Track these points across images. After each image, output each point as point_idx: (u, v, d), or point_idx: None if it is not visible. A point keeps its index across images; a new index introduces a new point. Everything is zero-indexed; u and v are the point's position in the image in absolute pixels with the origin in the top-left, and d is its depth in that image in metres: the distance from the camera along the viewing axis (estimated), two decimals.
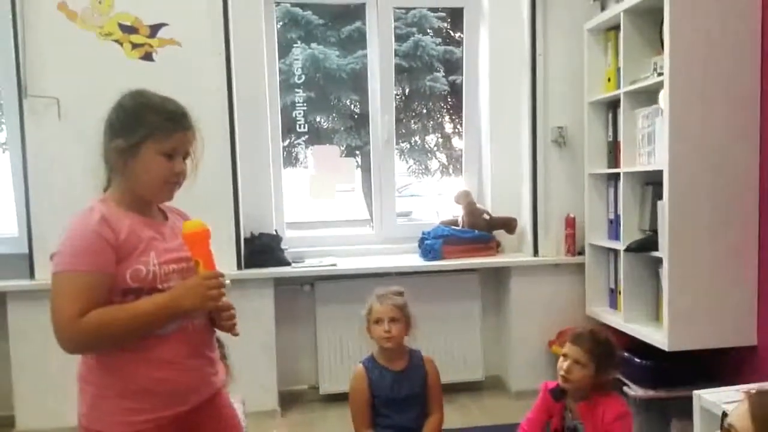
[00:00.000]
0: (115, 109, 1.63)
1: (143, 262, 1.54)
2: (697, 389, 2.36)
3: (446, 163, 6.56)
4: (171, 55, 3.38)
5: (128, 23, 3.34)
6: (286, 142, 4.53)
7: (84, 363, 1.60)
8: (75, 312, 1.45)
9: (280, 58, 3.91)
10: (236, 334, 1.74)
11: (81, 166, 3.23)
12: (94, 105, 3.24)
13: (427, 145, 6.58)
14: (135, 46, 3.34)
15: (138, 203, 1.63)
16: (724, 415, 1.29)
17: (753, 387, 1.32)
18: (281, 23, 4.94)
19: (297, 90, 4.15)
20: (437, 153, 6.65)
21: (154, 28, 3.36)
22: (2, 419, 3.42)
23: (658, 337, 2.93)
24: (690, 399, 2.37)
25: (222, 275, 1.61)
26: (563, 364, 2.23)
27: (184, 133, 1.62)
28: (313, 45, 5.10)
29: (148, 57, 3.36)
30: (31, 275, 3.35)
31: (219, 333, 1.78)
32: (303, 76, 4.21)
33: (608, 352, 2.26)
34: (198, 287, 1.56)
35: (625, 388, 3.00)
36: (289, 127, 4.19)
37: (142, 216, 1.62)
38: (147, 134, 1.56)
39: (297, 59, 4.33)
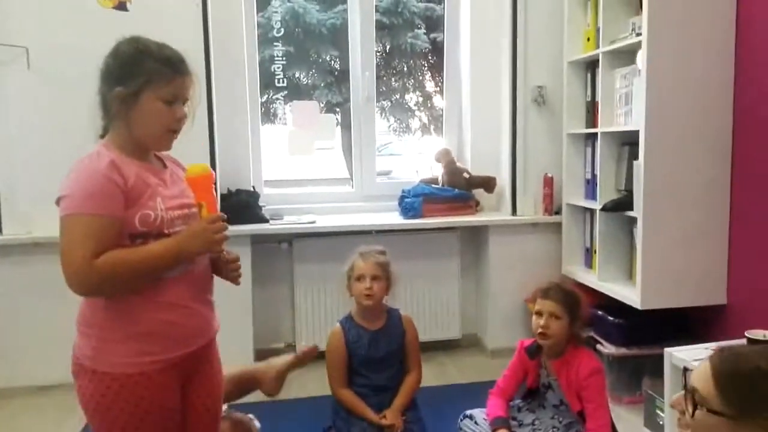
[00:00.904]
0: (112, 56, 1.61)
1: (151, 207, 1.57)
2: (668, 347, 2.41)
3: (427, 123, 6.53)
4: (145, 4, 3.30)
5: None
6: (265, 98, 4.45)
7: (88, 307, 1.61)
8: (88, 254, 1.47)
9: (258, 11, 3.83)
10: (238, 283, 1.81)
11: (51, 116, 3.23)
12: (65, 55, 3.26)
13: (407, 104, 6.53)
14: None
15: (139, 150, 1.64)
16: (686, 370, 1.26)
17: (718, 345, 1.30)
18: None
19: (276, 44, 4.06)
20: (417, 112, 6.61)
21: None
22: None
23: (631, 295, 2.96)
24: (661, 356, 2.42)
25: (225, 218, 1.65)
26: (539, 320, 2.26)
27: (182, 79, 1.62)
28: None
29: (121, 6, 3.28)
30: None
31: None
32: (282, 30, 4.12)
33: (577, 301, 2.30)
34: (204, 231, 1.60)
35: (598, 346, 3.05)
36: (267, 83, 4.11)
37: (144, 162, 1.65)
38: (146, 81, 1.57)
39: (276, 12, 4.23)
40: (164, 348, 1.61)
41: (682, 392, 1.26)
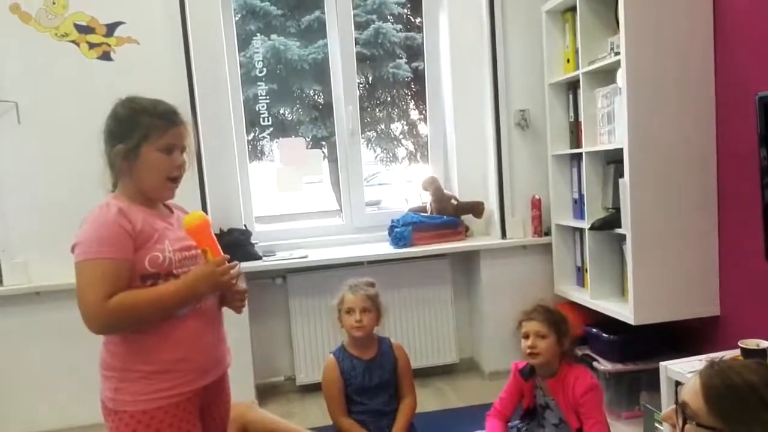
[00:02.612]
0: (111, 118, 1.74)
1: (159, 249, 1.68)
2: (663, 361, 2.43)
3: (413, 150, 6.59)
4: (129, 53, 3.36)
5: (84, 23, 3.30)
6: (251, 136, 4.51)
7: (107, 351, 1.72)
8: (102, 295, 1.58)
9: (240, 51, 3.88)
10: (239, 312, 1.93)
11: (42, 167, 3.26)
12: (54, 107, 3.31)
13: (393, 133, 6.60)
14: (92, 45, 3.31)
15: (146, 199, 1.76)
16: (677, 384, 1.26)
17: (709, 358, 1.30)
18: (239, 15, 4.91)
19: (259, 83, 4.13)
20: (404, 140, 6.67)
21: (111, 27, 3.33)
22: None
23: (624, 312, 2.98)
24: (657, 370, 2.44)
25: (230, 259, 1.77)
26: (527, 342, 2.28)
27: (177, 128, 1.75)
28: (273, 36, 5.06)
29: (106, 56, 3.33)
30: None
31: None
32: (264, 69, 4.18)
33: (561, 318, 2.33)
34: (213, 275, 1.71)
35: (594, 363, 3.07)
36: (253, 121, 4.17)
37: (152, 209, 1.77)
38: (144, 135, 1.69)
39: (257, 51, 4.30)
40: (180, 383, 1.71)
41: (674, 406, 1.26)
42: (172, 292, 1.66)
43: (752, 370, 1.19)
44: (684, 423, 1.21)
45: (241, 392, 3.49)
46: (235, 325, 3.41)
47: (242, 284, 1.91)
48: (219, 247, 1.76)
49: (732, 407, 1.16)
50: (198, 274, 1.70)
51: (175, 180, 1.77)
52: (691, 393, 1.22)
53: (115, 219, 1.63)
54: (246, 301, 1.92)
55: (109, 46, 3.32)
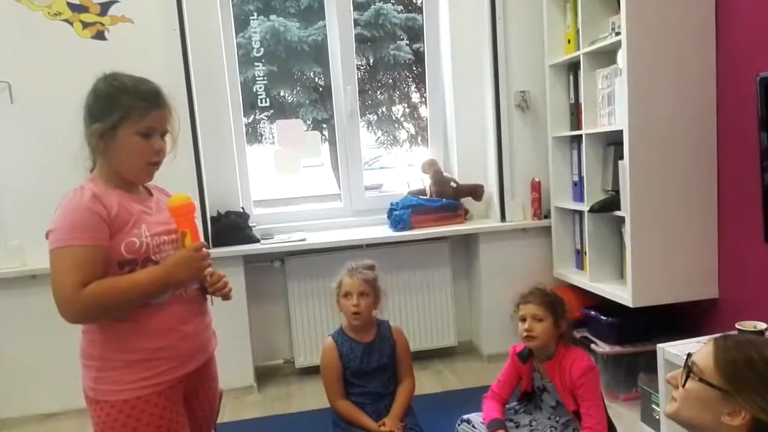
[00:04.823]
0: (91, 94, 1.66)
1: (135, 234, 1.62)
2: (661, 343, 2.42)
3: (414, 134, 6.55)
4: (124, 32, 3.33)
5: (77, 1, 3.27)
6: (251, 119, 4.48)
7: (86, 339, 1.67)
8: (76, 283, 1.52)
9: (237, 32, 3.85)
10: (229, 299, 1.85)
11: (36, 148, 3.25)
12: (47, 87, 3.28)
13: (394, 116, 6.56)
14: (86, 25, 3.28)
15: (123, 181, 1.69)
16: (689, 356, 1.32)
17: (716, 335, 1.35)
18: None
19: (257, 64, 4.09)
20: (405, 123, 6.64)
21: (105, 6, 3.30)
22: None
23: (622, 294, 2.98)
24: (655, 352, 2.43)
25: (207, 245, 1.74)
26: (523, 325, 2.27)
27: (159, 112, 1.67)
28: (272, 17, 5.00)
29: (100, 36, 3.30)
30: None
31: None
32: (262, 50, 4.14)
33: (558, 301, 2.31)
34: (190, 260, 1.66)
35: (592, 346, 3.07)
36: (251, 103, 4.13)
37: (129, 192, 1.70)
38: (122, 116, 1.62)
39: (255, 32, 4.26)
40: (159, 372, 1.66)
41: (680, 369, 1.31)
42: (149, 278, 1.61)
43: (763, 343, 1.27)
44: (686, 379, 1.28)
45: (240, 375, 3.53)
46: (234, 309, 3.45)
47: (216, 273, 1.81)
48: (198, 232, 1.73)
49: (740, 371, 1.22)
50: (175, 260, 1.65)
51: (153, 165, 1.70)
52: (703, 355, 1.28)
53: (89, 204, 1.56)
54: (229, 287, 1.83)
55: (103, 25, 3.29)
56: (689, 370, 1.28)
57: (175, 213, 1.71)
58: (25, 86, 3.26)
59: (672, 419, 1.35)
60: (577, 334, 3.18)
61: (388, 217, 3.83)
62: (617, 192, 3.01)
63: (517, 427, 2.37)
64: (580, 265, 3.55)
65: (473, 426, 2.39)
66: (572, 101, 3.51)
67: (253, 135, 4.74)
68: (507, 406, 2.44)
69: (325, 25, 4.03)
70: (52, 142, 3.05)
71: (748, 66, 2.64)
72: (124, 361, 1.62)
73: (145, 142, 1.64)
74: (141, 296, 1.61)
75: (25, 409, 3.41)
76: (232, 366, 3.43)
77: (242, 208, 3.72)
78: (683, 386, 1.29)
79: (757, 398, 1.19)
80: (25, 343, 3.36)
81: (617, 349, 3.01)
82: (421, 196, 3.90)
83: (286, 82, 5.42)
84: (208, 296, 1.84)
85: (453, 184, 3.89)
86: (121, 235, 1.60)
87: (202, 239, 1.72)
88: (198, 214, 3.38)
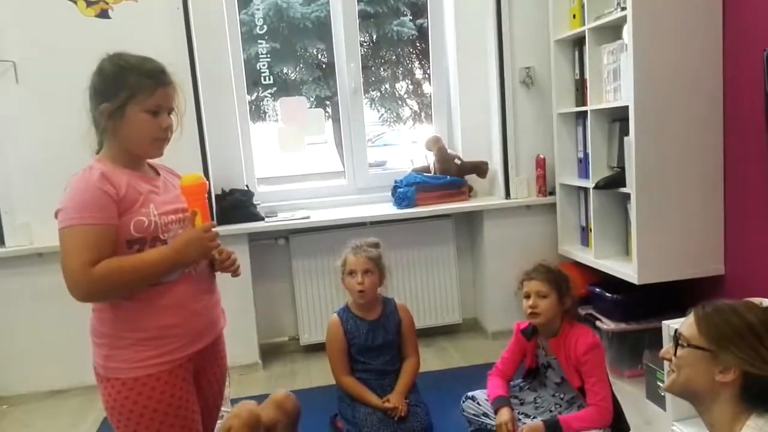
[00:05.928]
0: (96, 74, 1.67)
1: (144, 213, 1.63)
2: (666, 320, 2.42)
3: (418, 110, 6.52)
4: (127, 11, 3.31)
5: None
6: (254, 96, 4.45)
7: (96, 317, 1.69)
8: (86, 261, 1.54)
9: (240, 9, 3.82)
10: (238, 275, 1.87)
11: (42, 127, 3.25)
12: (52, 66, 3.27)
13: (397, 93, 6.53)
14: (90, 3, 3.27)
15: (131, 161, 1.71)
16: (676, 331, 1.45)
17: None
18: None
19: (260, 41, 4.06)
20: (408, 100, 6.60)
21: None
22: None
23: (628, 271, 2.97)
24: (660, 330, 2.44)
25: (215, 225, 1.76)
26: (527, 302, 2.28)
27: (165, 89, 1.68)
28: None
29: (104, 14, 3.29)
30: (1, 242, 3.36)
31: None
32: (265, 27, 4.11)
33: (563, 277, 2.31)
34: (200, 240, 1.68)
35: (597, 323, 3.07)
36: (255, 80, 4.11)
37: (137, 172, 1.71)
38: (130, 95, 1.63)
39: (258, 9, 4.22)
40: (170, 350, 1.68)
41: (671, 345, 1.44)
42: (159, 257, 1.63)
43: (740, 303, 1.41)
44: (676, 349, 1.41)
45: (245, 353, 3.55)
46: (239, 286, 3.46)
47: (225, 251, 1.83)
48: (209, 213, 1.74)
49: (719, 328, 1.35)
50: (186, 239, 1.67)
51: (163, 140, 1.71)
52: (687, 324, 1.42)
53: (98, 183, 1.57)
54: (238, 263, 1.86)
55: (107, 3, 3.27)
56: (677, 340, 1.40)
57: (186, 192, 1.72)
58: (30, 65, 3.26)
59: (671, 392, 1.46)
60: (582, 311, 3.18)
61: (392, 194, 3.82)
62: (623, 168, 3.00)
63: (521, 404, 2.39)
64: (585, 241, 3.54)
65: (478, 403, 2.40)
66: (577, 77, 3.48)
67: (257, 112, 4.72)
68: (511, 383, 2.45)
69: (328, 1, 4.00)
70: (57, 121, 3.04)
71: (755, 41, 2.60)
72: (135, 339, 1.64)
73: (154, 119, 1.66)
74: (151, 275, 1.63)
75: (33, 386, 3.44)
76: (237, 343, 3.44)
77: (246, 185, 3.72)
78: (675, 356, 1.40)
79: (740, 352, 1.31)
80: (31, 321, 3.38)
81: (622, 326, 3.01)
82: (425, 174, 3.89)
83: (289, 60, 5.40)
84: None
85: (457, 161, 3.88)
86: (130, 214, 1.61)
87: (210, 220, 1.73)
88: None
